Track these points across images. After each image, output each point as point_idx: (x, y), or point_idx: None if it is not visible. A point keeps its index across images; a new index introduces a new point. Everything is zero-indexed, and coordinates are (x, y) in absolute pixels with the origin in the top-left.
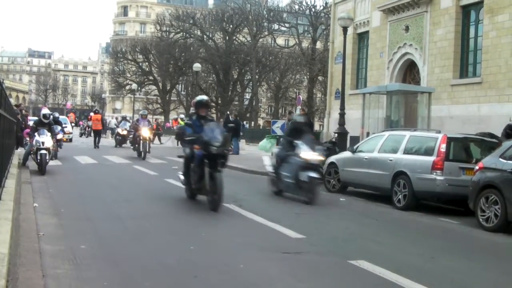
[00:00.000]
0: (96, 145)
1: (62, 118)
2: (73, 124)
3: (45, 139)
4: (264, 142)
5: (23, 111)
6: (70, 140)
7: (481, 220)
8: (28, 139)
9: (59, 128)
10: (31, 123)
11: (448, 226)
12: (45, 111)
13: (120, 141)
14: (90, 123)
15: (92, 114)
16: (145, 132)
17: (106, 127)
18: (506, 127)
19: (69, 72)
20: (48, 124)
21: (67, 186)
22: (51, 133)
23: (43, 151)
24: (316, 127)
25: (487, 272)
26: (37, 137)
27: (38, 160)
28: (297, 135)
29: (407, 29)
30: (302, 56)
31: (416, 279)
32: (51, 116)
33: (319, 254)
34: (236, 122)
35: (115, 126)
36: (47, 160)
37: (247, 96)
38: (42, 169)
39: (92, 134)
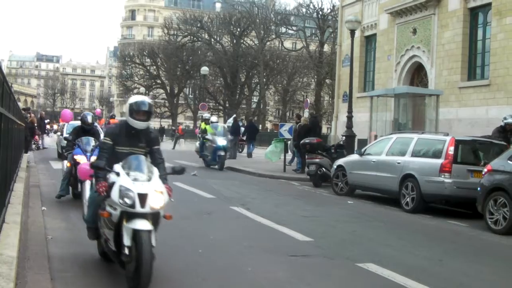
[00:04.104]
0: None
1: None
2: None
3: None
4: (271, 148)
5: (32, 114)
6: None
7: (489, 222)
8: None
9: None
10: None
11: (457, 229)
12: (89, 116)
13: None
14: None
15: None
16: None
17: None
18: (501, 129)
19: (77, 76)
20: (92, 134)
21: None
22: None
23: None
24: (324, 130)
25: (495, 275)
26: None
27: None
28: None
29: (414, 31)
30: (309, 59)
31: (425, 282)
32: (96, 120)
33: (327, 257)
34: (252, 126)
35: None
36: None
37: (255, 99)
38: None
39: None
